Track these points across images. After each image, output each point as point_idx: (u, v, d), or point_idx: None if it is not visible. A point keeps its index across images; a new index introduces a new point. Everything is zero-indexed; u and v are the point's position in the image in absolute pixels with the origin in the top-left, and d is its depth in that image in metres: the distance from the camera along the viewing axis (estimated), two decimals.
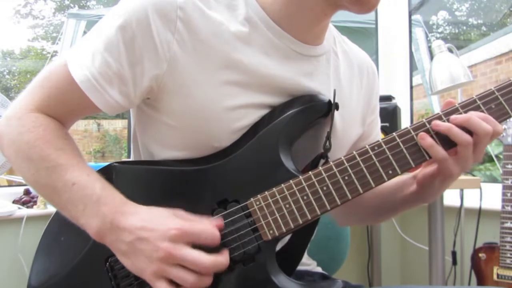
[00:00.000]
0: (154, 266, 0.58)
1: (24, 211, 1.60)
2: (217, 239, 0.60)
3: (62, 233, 0.72)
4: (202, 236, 0.59)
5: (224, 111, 0.66)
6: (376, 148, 0.63)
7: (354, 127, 0.80)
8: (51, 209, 1.59)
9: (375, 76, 0.87)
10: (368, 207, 0.86)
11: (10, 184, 1.96)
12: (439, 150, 0.62)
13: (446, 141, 0.63)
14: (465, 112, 0.63)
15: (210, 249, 0.60)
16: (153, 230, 0.59)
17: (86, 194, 0.62)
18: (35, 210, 1.63)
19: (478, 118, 0.62)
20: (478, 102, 0.64)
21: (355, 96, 0.80)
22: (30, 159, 0.66)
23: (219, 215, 0.64)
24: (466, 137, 0.61)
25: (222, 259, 0.60)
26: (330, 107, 0.70)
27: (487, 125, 0.61)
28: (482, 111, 0.63)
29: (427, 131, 0.63)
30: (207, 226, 0.60)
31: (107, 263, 0.67)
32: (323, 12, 0.68)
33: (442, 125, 0.62)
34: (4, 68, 5.85)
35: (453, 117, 0.63)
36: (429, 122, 0.63)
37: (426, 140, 0.62)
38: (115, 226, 0.60)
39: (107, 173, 0.68)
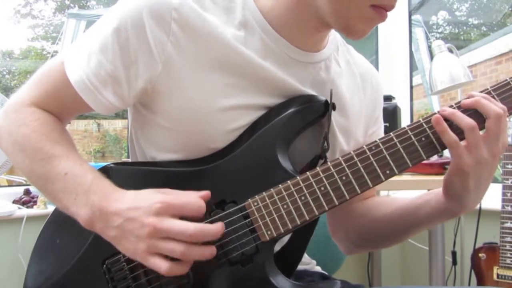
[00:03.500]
0: (144, 244, 0.58)
1: (24, 211, 1.61)
2: (202, 208, 0.59)
3: (58, 235, 0.72)
4: (187, 207, 0.59)
5: (218, 111, 0.66)
6: (373, 148, 0.63)
7: (355, 135, 0.79)
8: (51, 209, 1.59)
9: (379, 88, 0.85)
10: (388, 222, 0.79)
11: (10, 184, 1.97)
12: (451, 135, 0.62)
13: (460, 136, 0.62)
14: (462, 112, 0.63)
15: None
16: (138, 208, 0.59)
17: (78, 183, 0.63)
18: (35, 210, 1.64)
19: (487, 100, 0.61)
20: None
21: (358, 105, 0.79)
22: (26, 150, 0.67)
23: (217, 216, 0.64)
24: (469, 120, 0.61)
25: (210, 226, 0.59)
26: (327, 108, 0.70)
27: (496, 107, 0.61)
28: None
29: (423, 131, 0.63)
30: (191, 197, 0.60)
31: (104, 265, 0.66)
32: (317, 29, 0.69)
33: (447, 110, 0.63)
34: (4, 68, 5.86)
35: (463, 101, 0.63)
36: (427, 122, 0.63)
37: (441, 125, 0.62)
38: (104, 213, 0.61)
39: (103, 174, 0.68)
